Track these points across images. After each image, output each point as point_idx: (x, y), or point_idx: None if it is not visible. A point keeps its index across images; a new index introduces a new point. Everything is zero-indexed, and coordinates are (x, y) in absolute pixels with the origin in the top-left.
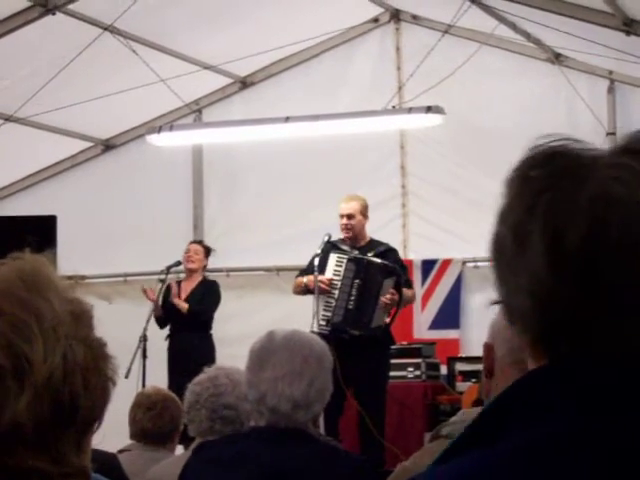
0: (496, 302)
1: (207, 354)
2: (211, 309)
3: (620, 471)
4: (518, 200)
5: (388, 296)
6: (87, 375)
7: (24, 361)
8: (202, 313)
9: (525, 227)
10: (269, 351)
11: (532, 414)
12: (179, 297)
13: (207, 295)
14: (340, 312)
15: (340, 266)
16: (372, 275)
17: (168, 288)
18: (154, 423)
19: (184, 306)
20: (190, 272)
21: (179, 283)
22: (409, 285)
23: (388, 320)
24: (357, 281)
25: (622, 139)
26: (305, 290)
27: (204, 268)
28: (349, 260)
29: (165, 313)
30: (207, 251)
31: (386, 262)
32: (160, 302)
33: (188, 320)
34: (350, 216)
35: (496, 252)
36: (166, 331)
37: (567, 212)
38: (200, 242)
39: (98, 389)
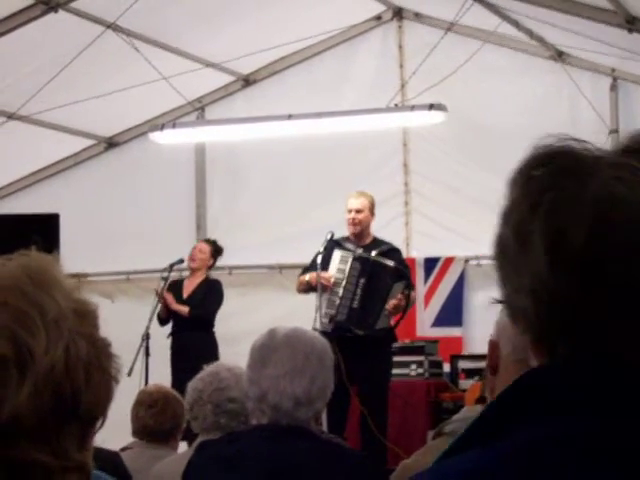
0: (499, 301)
1: (210, 352)
2: (212, 310)
3: (630, 472)
4: (521, 199)
5: (395, 301)
6: (90, 371)
7: (26, 352)
8: (203, 315)
9: (527, 226)
10: (270, 349)
11: (532, 413)
12: (182, 295)
13: (209, 295)
14: (344, 311)
15: (344, 264)
16: (379, 275)
17: (170, 286)
18: (155, 420)
19: (184, 310)
20: (193, 270)
21: (179, 282)
22: (411, 287)
23: (393, 323)
24: (362, 280)
25: (624, 139)
26: (308, 288)
27: (209, 267)
28: (354, 259)
29: (167, 313)
30: (216, 250)
31: (399, 266)
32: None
33: (190, 319)
34: (359, 210)
35: (499, 252)
36: (168, 329)
37: (570, 212)
38: (211, 241)
39: (101, 386)
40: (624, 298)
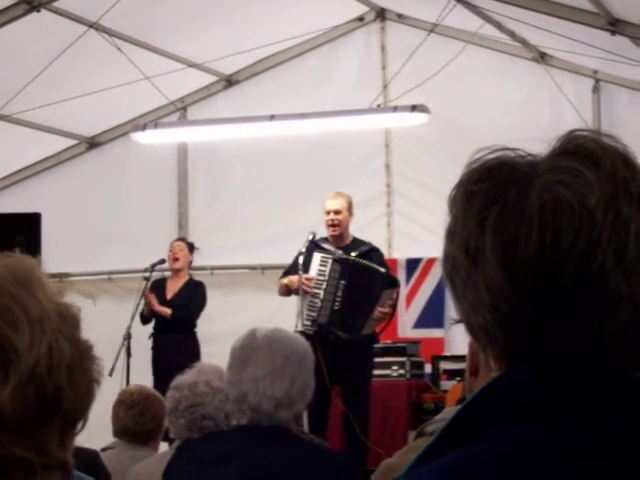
0: (457, 321)
1: (192, 352)
2: (196, 314)
3: (590, 471)
4: (465, 216)
5: (383, 310)
6: (72, 371)
7: (10, 348)
8: (187, 318)
9: (476, 242)
10: (250, 350)
11: (505, 418)
12: (165, 296)
13: (193, 298)
14: (325, 313)
15: (324, 266)
16: (361, 277)
17: (153, 286)
18: (136, 421)
19: (167, 312)
20: (176, 271)
21: (162, 282)
22: (398, 285)
23: (378, 330)
24: (342, 282)
25: (556, 141)
26: (288, 291)
27: (190, 265)
28: (334, 261)
29: (150, 311)
30: (190, 247)
31: (390, 272)
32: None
33: (172, 320)
34: (337, 212)
35: (450, 271)
36: (149, 329)
37: (517, 223)
38: (183, 239)
39: (82, 387)
40: (580, 302)
